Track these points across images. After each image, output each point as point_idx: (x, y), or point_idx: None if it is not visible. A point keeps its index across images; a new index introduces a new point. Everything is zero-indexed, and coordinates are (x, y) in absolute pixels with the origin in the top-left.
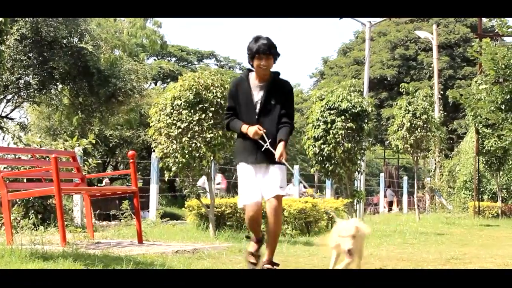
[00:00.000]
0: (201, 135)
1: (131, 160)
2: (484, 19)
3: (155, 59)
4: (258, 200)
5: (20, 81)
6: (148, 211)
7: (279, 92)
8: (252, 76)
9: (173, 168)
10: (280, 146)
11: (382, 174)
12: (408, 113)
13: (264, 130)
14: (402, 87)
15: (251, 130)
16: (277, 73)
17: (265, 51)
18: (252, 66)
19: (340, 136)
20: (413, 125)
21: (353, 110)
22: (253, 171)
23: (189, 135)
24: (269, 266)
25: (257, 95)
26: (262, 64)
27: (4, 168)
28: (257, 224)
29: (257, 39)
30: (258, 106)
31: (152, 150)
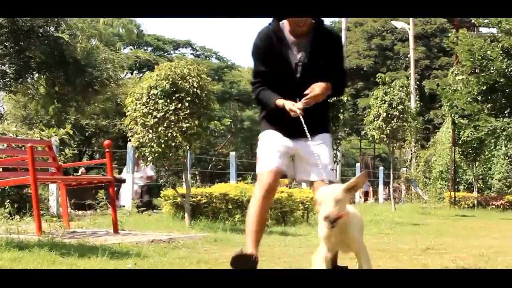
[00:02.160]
0: (177, 125)
1: (107, 150)
2: None
3: (131, 49)
4: (277, 168)
5: None
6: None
7: (326, 46)
8: (286, 29)
9: (149, 158)
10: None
11: (358, 164)
12: (384, 103)
13: (300, 110)
14: (379, 77)
15: (288, 105)
16: (320, 22)
17: None
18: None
19: None
20: (389, 115)
21: (329, 100)
22: (281, 137)
23: (165, 125)
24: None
25: (296, 55)
26: (298, 21)
27: None
28: (264, 206)
29: None
30: (299, 70)
31: (128, 139)
